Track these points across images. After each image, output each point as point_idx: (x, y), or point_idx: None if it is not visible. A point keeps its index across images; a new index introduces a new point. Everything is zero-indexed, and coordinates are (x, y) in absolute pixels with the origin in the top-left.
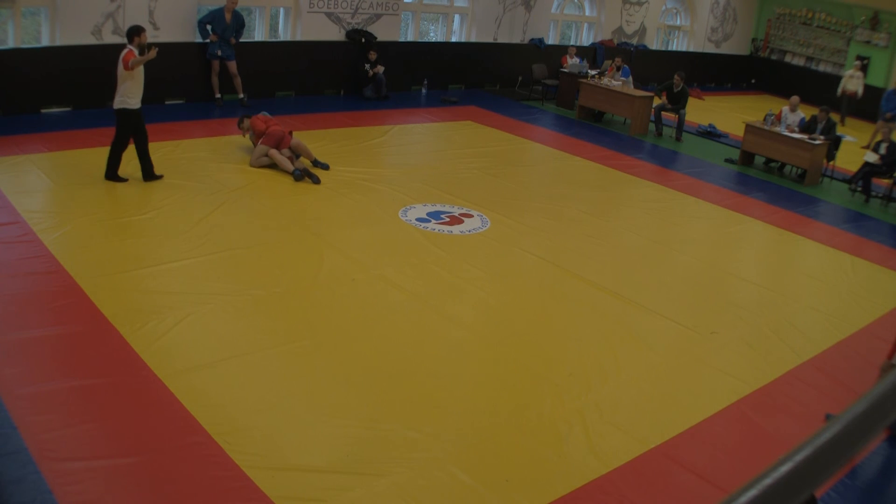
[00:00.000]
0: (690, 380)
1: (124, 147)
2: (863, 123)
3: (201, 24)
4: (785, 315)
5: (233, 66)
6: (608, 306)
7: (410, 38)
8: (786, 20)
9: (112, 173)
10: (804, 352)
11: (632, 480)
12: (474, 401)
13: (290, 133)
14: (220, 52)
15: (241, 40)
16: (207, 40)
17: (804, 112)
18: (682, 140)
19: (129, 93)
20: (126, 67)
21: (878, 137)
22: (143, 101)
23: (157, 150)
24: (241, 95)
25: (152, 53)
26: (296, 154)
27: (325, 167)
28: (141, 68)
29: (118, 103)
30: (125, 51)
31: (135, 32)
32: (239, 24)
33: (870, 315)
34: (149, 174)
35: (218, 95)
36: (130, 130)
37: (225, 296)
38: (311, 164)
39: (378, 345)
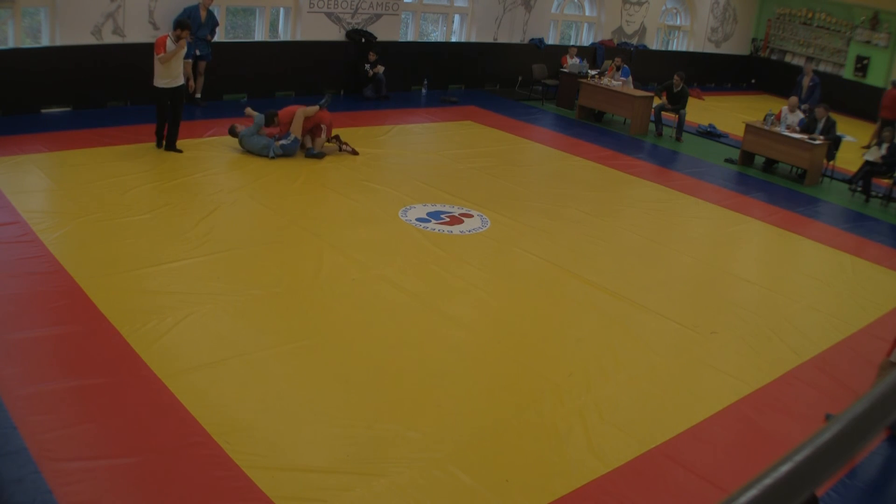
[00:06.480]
0: (690, 380)
1: (163, 119)
2: (862, 123)
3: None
4: (785, 315)
5: (202, 65)
6: (608, 306)
7: (410, 38)
8: (786, 20)
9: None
10: (804, 352)
11: (632, 480)
12: (474, 401)
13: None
14: (198, 52)
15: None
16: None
17: (803, 112)
18: (682, 140)
19: (159, 74)
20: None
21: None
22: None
23: (155, 149)
24: (198, 95)
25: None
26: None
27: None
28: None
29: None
30: (159, 35)
31: (179, 27)
32: (213, 22)
33: (870, 315)
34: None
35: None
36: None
37: (225, 296)
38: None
39: (378, 345)
